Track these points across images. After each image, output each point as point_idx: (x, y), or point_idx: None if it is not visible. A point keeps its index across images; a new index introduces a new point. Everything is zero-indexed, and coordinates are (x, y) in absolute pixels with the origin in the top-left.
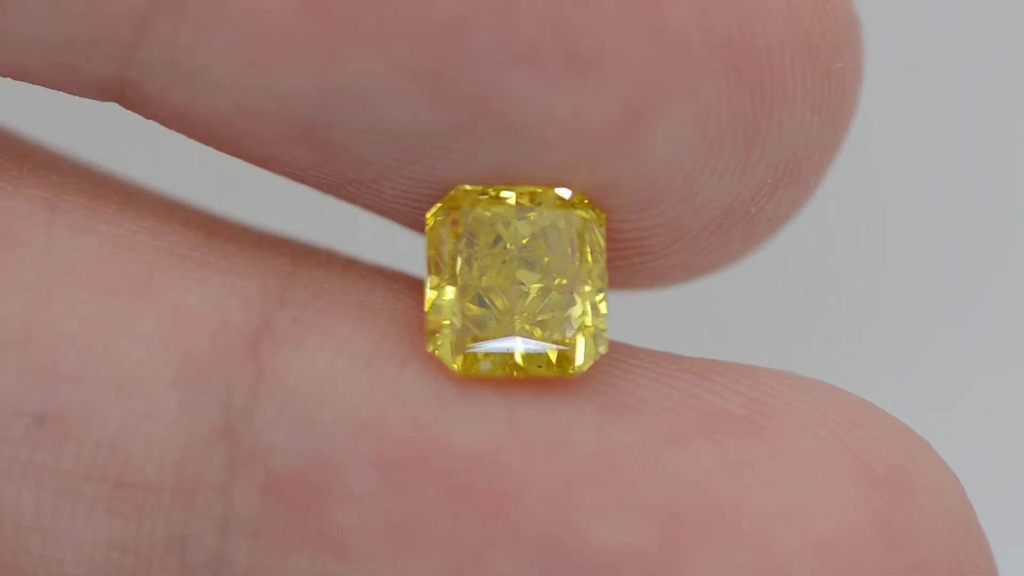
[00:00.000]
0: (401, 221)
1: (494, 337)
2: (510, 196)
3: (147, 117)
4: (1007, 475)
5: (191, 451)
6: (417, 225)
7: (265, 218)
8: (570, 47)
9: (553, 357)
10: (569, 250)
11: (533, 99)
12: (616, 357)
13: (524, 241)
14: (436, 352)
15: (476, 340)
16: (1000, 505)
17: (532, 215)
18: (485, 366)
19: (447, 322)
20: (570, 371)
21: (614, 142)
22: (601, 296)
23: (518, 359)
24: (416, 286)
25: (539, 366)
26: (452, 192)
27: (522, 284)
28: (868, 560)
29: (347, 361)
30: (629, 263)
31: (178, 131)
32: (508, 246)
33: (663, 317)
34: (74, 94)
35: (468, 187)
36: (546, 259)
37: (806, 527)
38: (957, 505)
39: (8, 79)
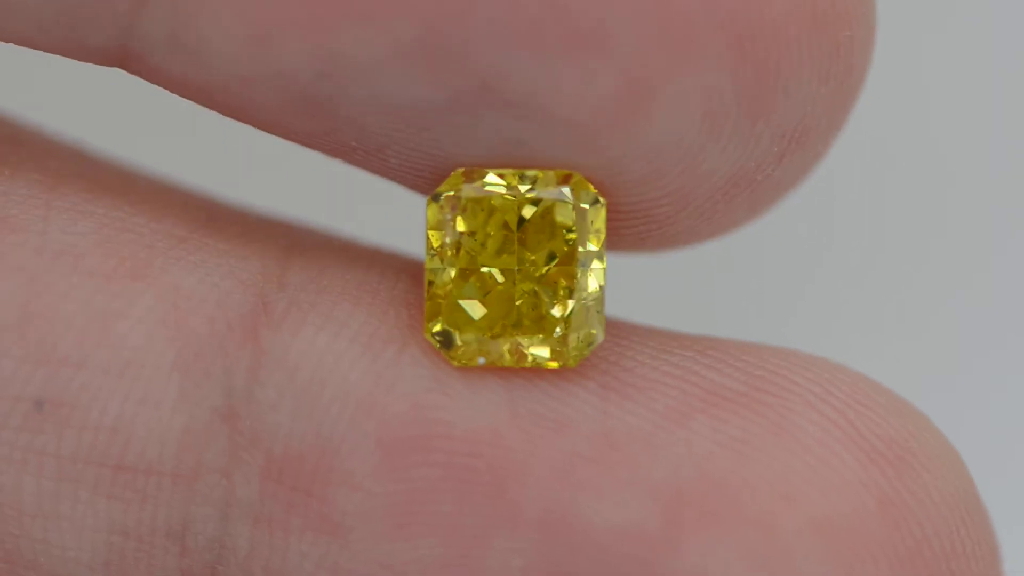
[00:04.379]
0: (407, 185)
1: (492, 321)
2: (510, 177)
3: (151, 83)
4: (1009, 451)
5: (191, 435)
6: (423, 190)
7: (264, 200)
8: (571, 24)
9: (549, 348)
10: (569, 233)
11: (534, 77)
12: (616, 335)
13: (524, 223)
14: (435, 344)
15: (473, 327)
16: (1002, 480)
17: (532, 197)
18: (481, 360)
19: (446, 307)
20: (569, 363)
21: (617, 118)
22: (600, 281)
23: (515, 351)
24: (414, 266)
25: (538, 355)
26: (452, 174)
27: (521, 267)
28: (870, 538)
29: (347, 343)
30: (635, 231)
31: (182, 96)
32: (508, 228)
33: (664, 293)
34: (77, 60)
35: (468, 169)
36: (545, 242)
37: (807, 505)
38: (959, 482)
39: (8, 61)
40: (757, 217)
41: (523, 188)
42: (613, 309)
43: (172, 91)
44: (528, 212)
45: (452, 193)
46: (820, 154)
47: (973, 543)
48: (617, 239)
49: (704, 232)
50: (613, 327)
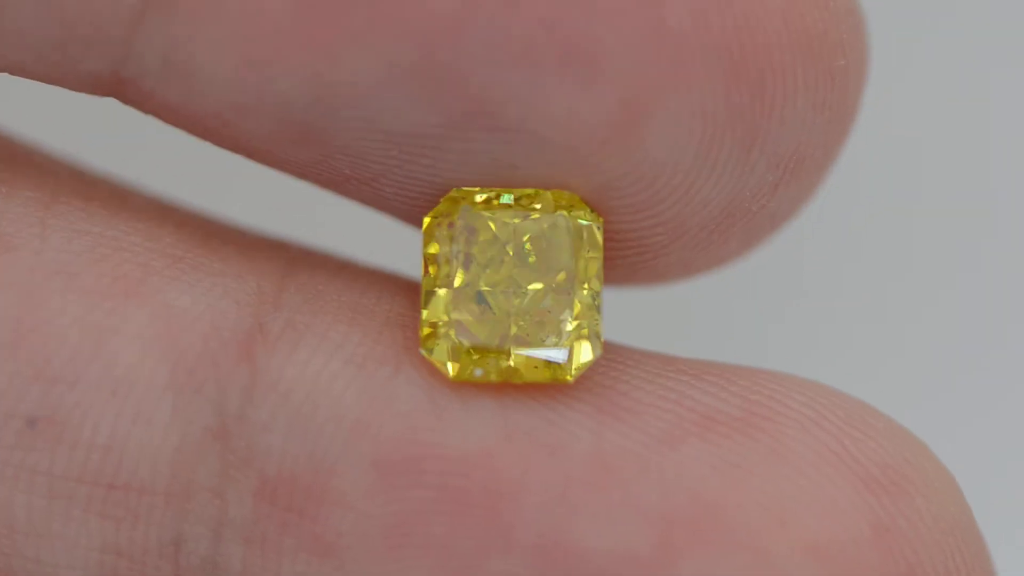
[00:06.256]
0: (401, 218)
1: (489, 339)
2: (507, 198)
3: (144, 112)
4: (1004, 476)
5: (184, 454)
6: (417, 222)
7: (260, 220)
8: (565, 45)
9: (548, 363)
10: (566, 253)
11: (528, 98)
12: (611, 358)
13: (521, 243)
14: (430, 357)
15: (471, 344)
16: (998, 505)
17: (530, 217)
18: (479, 372)
19: (442, 325)
20: (566, 377)
21: (611, 141)
22: (597, 300)
23: (512, 364)
24: (411, 287)
25: (535, 367)
26: (449, 194)
27: (519, 286)
28: (864, 564)
29: (341, 364)
30: (628, 261)
31: (175, 126)
32: (505, 248)
33: (659, 318)
34: (71, 89)
35: (465, 188)
36: (543, 261)
37: (801, 530)
38: (954, 507)
39: (5, 74)
40: (750, 251)
41: (521, 208)
42: (608, 333)
43: (166, 121)
44: (526, 232)
45: (449, 213)
46: (815, 185)
47: (968, 570)
48: (610, 270)
49: (697, 265)
50: (608, 350)
